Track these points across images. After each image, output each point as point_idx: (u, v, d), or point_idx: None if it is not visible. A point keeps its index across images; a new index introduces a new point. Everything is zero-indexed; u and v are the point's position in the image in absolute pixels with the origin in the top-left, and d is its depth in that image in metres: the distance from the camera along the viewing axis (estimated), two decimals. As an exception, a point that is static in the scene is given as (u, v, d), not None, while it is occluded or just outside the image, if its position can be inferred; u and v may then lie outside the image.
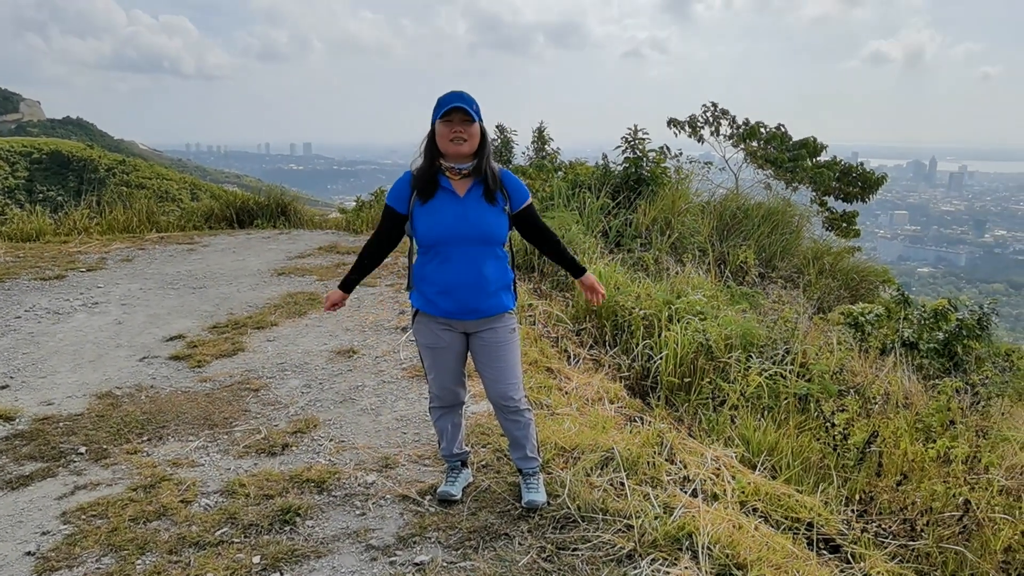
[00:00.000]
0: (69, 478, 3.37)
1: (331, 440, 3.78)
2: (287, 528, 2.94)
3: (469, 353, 3.03)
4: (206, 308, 6.28)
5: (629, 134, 10.52)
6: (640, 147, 10.58)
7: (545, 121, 12.25)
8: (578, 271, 3.14)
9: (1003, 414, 4.96)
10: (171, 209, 12.20)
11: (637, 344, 5.58)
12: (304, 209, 11.89)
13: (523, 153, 11.63)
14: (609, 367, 5.57)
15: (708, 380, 4.79)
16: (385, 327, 5.78)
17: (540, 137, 11.71)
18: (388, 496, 3.20)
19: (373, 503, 3.14)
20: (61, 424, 3.95)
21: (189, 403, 4.24)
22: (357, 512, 3.08)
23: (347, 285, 3.12)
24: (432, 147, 2.79)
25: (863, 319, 7.08)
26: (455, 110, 2.71)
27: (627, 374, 5.41)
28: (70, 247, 8.82)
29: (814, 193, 14.11)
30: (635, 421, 4.09)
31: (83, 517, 3.02)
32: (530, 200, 2.99)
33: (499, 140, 11.43)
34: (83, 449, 3.64)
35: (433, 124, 2.76)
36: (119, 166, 48.85)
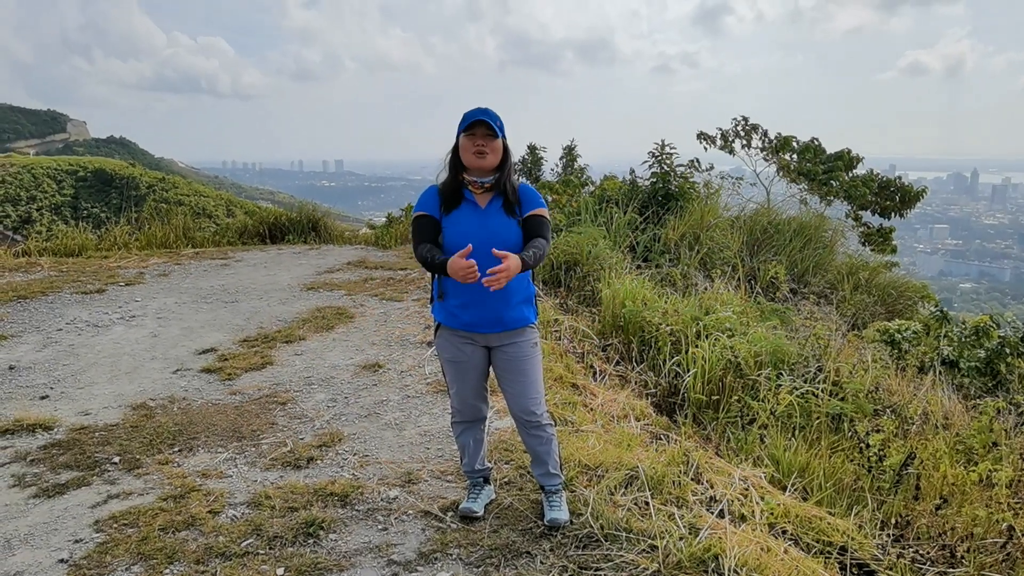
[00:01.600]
0: (103, 487, 3.44)
1: (355, 454, 3.80)
2: (311, 541, 2.96)
3: (492, 368, 3.04)
4: (237, 322, 6.39)
5: (656, 149, 10.49)
6: (668, 162, 10.54)
7: (575, 138, 12.29)
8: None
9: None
10: (207, 225, 12.47)
11: (664, 361, 5.53)
12: (334, 225, 12.06)
13: (552, 170, 11.67)
14: (635, 384, 5.53)
15: (737, 398, 4.72)
16: (411, 342, 5.81)
17: (569, 154, 11.74)
18: (410, 511, 3.20)
19: (395, 518, 3.15)
20: (97, 434, 4.03)
21: (219, 415, 4.31)
22: (379, 527, 3.08)
23: (444, 265, 2.69)
24: (456, 161, 2.83)
25: (899, 336, 6.92)
26: (478, 123, 2.75)
27: (654, 391, 5.37)
28: (110, 262, 9.05)
29: (849, 207, 13.87)
30: (660, 439, 4.04)
31: (115, 526, 3.08)
32: (540, 210, 2.89)
33: (530, 159, 11.48)
34: (117, 459, 3.71)
35: (457, 138, 2.81)
36: (159, 183, 50.12)
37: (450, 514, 3.17)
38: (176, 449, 3.86)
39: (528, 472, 3.50)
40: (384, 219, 13.15)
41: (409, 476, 3.53)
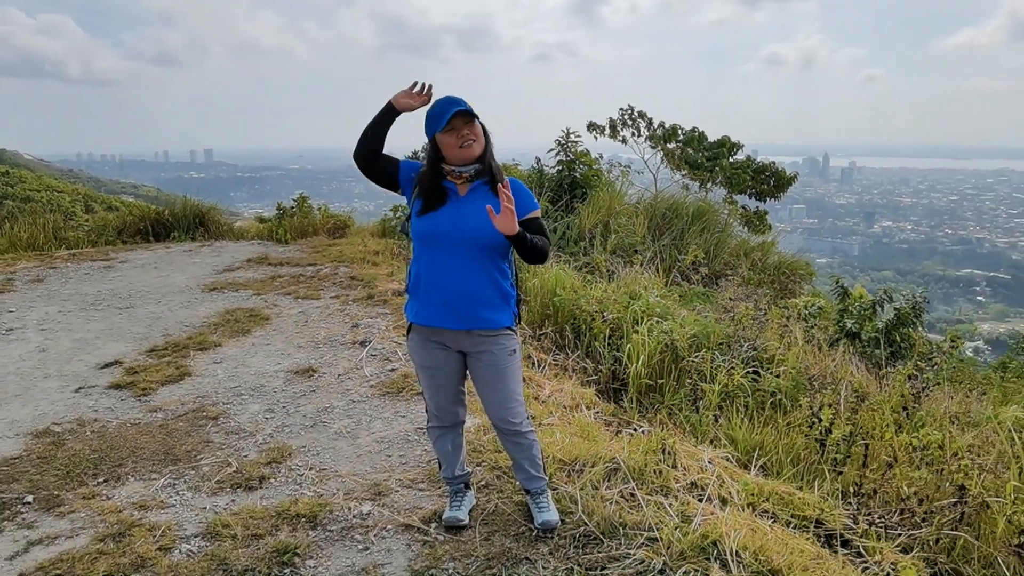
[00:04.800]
0: (19, 532, 2.97)
1: (311, 469, 3.51)
2: (287, 571, 2.68)
3: (468, 372, 2.85)
4: (138, 330, 5.80)
5: (562, 137, 10.54)
6: (573, 150, 10.62)
7: None
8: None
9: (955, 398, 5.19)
10: (81, 223, 11.33)
11: (602, 347, 5.53)
12: (223, 219, 11.30)
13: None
14: (575, 372, 5.50)
15: (689, 380, 4.78)
16: (340, 343, 5.49)
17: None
18: (389, 526, 2.98)
19: (375, 535, 2.92)
20: (-4, 470, 3.50)
21: (143, 436, 3.86)
22: (359, 547, 2.85)
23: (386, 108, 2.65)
24: (436, 160, 2.62)
25: (807, 312, 7.30)
26: (457, 115, 2.54)
27: (595, 378, 5.36)
28: (-33, 268, 8.00)
29: (726, 192, 14.53)
30: (631, 428, 4.02)
31: (46, 577, 2.66)
32: (535, 212, 2.71)
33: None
34: (30, 497, 3.23)
35: (432, 138, 2.59)
36: (2, 177, 45.22)
37: (433, 525, 2.98)
38: (100, 480, 3.41)
39: (505, 473, 3.36)
40: (269, 211, 12.48)
41: (377, 488, 3.29)
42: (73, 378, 4.75)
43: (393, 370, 4.87)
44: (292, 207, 11.64)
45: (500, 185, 2.52)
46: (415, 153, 11.42)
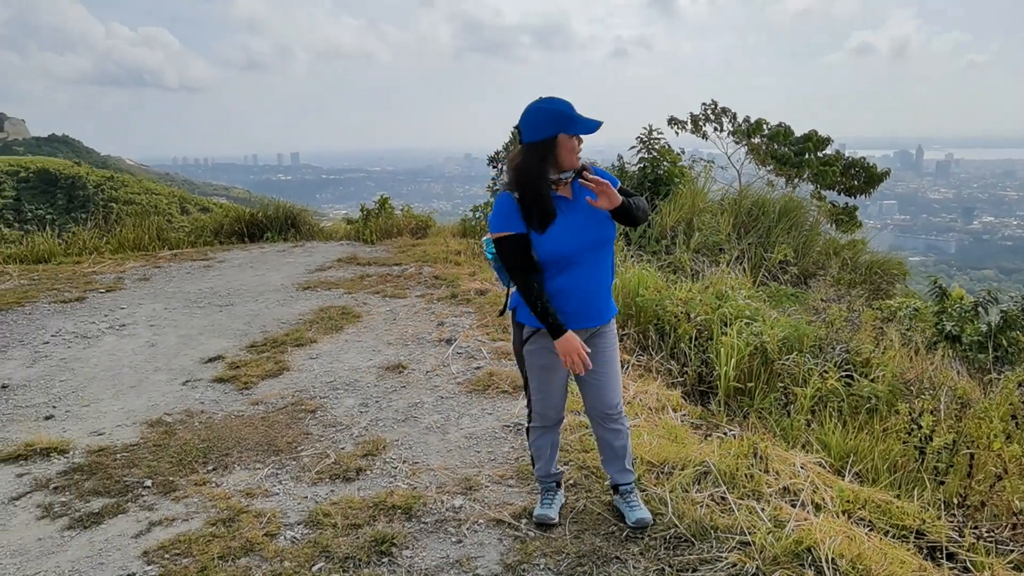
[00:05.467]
0: (141, 514, 3.21)
1: (404, 462, 3.64)
2: (385, 560, 2.80)
3: None
4: (237, 326, 6.12)
5: (644, 134, 10.44)
6: (656, 146, 10.50)
7: None
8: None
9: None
10: (180, 224, 12.01)
11: (688, 349, 5.47)
12: (313, 220, 11.75)
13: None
14: (659, 373, 5.46)
15: (780, 384, 4.68)
16: (427, 340, 5.64)
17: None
18: (481, 521, 3.06)
19: (468, 529, 3.01)
20: (119, 456, 3.78)
21: (247, 428, 4.09)
22: (453, 539, 2.94)
23: (561, 327, 2.67)
24: (546, 164, 2.59)
25: (902, 314, 7.00)
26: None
27: (681, 380, 5.30)
28: (84, 267, 8.62)
29: (814, 188, 14.03)
30: (720, 432, 3.98)
31: (167, 556, 2.87)
32: (619, 186, 2.76)
33: (514, 145, 11.31)
34: (149, 482, 3.48)
35: (554, 138, 2.57)
36: (107, 182, 48.33)
37: (524, 521, 3.04)
38: (210, 468, 3.64)
39: (593, 473, 3.39)
40: (358, 212, 12.87)
41: (468, 483, 3.38)
42: (180, 372, 5.07)
43: (479, 368, 4.97)
44: (375, 208, 11.99)
45: (584, 173, 2.56)
46: (497, 154, 11.58)
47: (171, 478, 3.52)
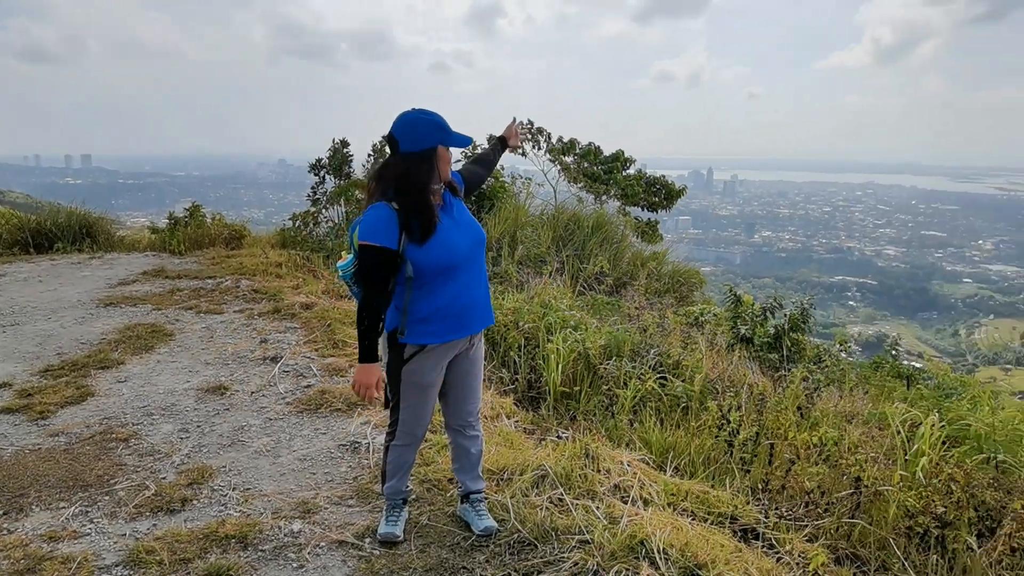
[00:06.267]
0: (-90, 574, 2.74)
1: (234, 489, 3.42)
2: (221, 595, 2.62)
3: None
4: (28, 349, 5.42)
5: (468, 150, 10.66)
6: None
7: (344, 133, 11.85)
8: (503, 143, 3.30)
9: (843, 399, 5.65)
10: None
11: (519, 357, 5.66)
12: (112, 230, 10.67)
13: (363, 165, 11.31)
14: (492, 382, 5.59)
15: (605, 387, 4.97)
16: (250, 359, 5.34)
17: (379, 150, 11.46)
18: (323, 543, 2.96)
19: (309, 553, 2.89)
20: None
21: (45, 463, 3.63)
22: (294, 565, 2.81)
23: (374, 355, 2.64)
24: (427, 174, 2.58)
25: (703, 319, 7.73)
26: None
27: (512, 387, 5.47)
28: None
29: (619, 203, 15.11)
30: (552, 436, 4.14)
31: (-51, 619, 2.48)
32: (463, 185, 2.94)
33: (338, 154, 11.00)
34: (-82, 535, 2.98)
35: (434, 149, 2.57)
36: None
37: (367, 540, 2.98)
38: (0, 513, 3.18)
39: (435, 486, 3.40)
40: (164, 220, 11.91)
41: (306, 506, 3.25)
42: (-45, 403, 4.39)
43: (309, 386, 4.79)
44: (184, 216, 11.15)
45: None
46: (318, 161, 11.21)
47: (-51, 528, 3.04)
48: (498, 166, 11.45)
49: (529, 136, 15.27)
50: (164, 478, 3.50)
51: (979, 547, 3.28)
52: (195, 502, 3.28)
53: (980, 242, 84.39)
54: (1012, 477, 3.91)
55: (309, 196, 10.71)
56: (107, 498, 3.30)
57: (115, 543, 2.94)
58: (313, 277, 7.96)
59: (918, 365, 8.95)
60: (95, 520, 3.12)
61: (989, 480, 3.72)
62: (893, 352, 9.62)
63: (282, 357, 5.31)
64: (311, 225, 9.94)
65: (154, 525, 3.08)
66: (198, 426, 4.13)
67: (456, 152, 2.92)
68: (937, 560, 3.24)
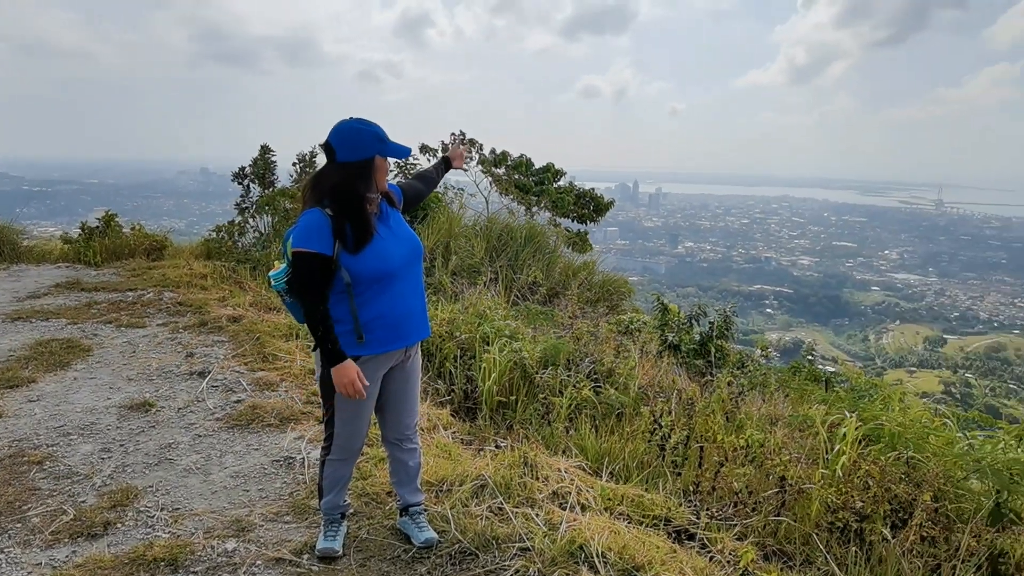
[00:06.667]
0: None
1: (162, 509, 3.29)
2: (150, 620, 2.51)
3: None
4: (-75, 368, 5.06)
5: (400, 160, 10.61)
6: (410, 171, 10.73)
7: (269, 141, 11.62)
8: (447, 163, 3.35)
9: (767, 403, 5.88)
10: None
11: (454, 368, 5.65)
12: (19, 240, 10.09)
13: (289, 175, 11.07)
14: (427, 393, 5.56)
15: (542, 396, 5.02)
16: (175, 374, 5.16)
17: (305, 160, 11.25)
18: (259, 562, 2.88)
19: (245, 572, 2.81)
20: None
21: (-50, 490, 3.40)
22: (229, 586, 2.73)
23: (343, 354, 2.59)
24: (364, 184, 2.57)
25: (633, 327, 7.91)
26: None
27: (449, 398, 5.45)
28: None
29: (550, 215, 15.34)
30: (491, 445, 4.15)
31: None
32: (401, 195, 2.96)
33: (261, 162, 10.74)
34: None
35: (372, 159, 2.57)
36: None
37: (306, 556, 2.92)
38: (-100, 542, 2.97)
39: (373, 500, 3.37)
40: (77, 230, 11.36)
41: (240, 524, 3.16)
42: None
43: (239, 401, 4.66)
44: (100, 226, 10.67)
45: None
46: (242, 169, 10.91)
47: None
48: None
49: (462, 147, 15.33)
50: (84, 501, 3.33)
51: (893, 537, 3.47)
52: (119, 525, 3.13)
53: (886, 252, 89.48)
54: (921, 471, 4.16)
55: (237, 205, 10.42)
56: (19, 525, 3.12)
57: (29, 573, 2.78)
58: (240, 289, 7.74)
59: (832, 369, 9.42)
60: (5, 550, 2.94)
61: (901, 475, 3.95)
62: (809, 357, 10.08)
63: (210, 371, 5.14)
64: (237, 235, 9.67)
65: (74, 552, 2.93)
66: (121, 445, 3.95)
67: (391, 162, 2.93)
68: (856, 552, 3.41)
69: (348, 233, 2.53)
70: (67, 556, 2.89)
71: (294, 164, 11.57)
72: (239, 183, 10.85)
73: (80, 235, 10.64)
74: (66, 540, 3.01)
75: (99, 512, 3.21)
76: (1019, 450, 4.07)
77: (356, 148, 2.55)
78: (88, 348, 5.59)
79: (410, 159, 10.69)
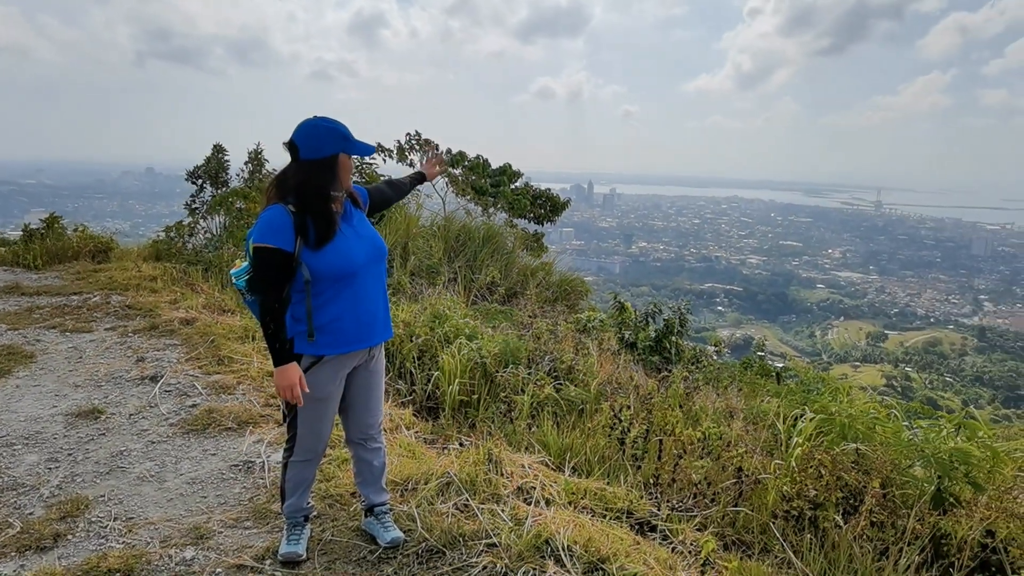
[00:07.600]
0: None
1: (116, 519, 3.19)
2: (107, 631, 2.44)
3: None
4: None
5: (355, 160, 10.51)
6: (368, 171, 10.64)
7: (221, 141, 11.45)
8: (422, 176, 3.42)
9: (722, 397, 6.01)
10: None
11: (415, 368, 5.62)
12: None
13: (238, 175, 10.85)
14: (389, 394, 5.52)
15: (504, 394, 5.03)
16: (125, 379, 5.01)
17: (256, 158, 11.04)
18: (219, 569, 2.82)
19: (205, 580, 2.75)
20: None
21: None
22: (189, 594, 2.67)
23: (288, 356, 2.56)
24: (328, 182, 2.55)
25: (591, 325, 7.99)
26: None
27: (410, 398, 5.42)
28: None
29: (507, 216, 15.39)
30: (453, 444, 4.14)
31: None
32: (367, 197, 2.95)
33: (214, 161, 10.51)
34: None
35: (335, 157, 2.55)
36: None
37: (268, 562, 2.87)
38: None
39: (337, 501, 3.33)
40: (19, 233, 10.95)
41: (198, 531, 3.08)
42: None
43: (194, 406, 4.55)
44: (41, 228, 10.30)
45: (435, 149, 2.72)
46: (196, 169, 10.66)
47: None
48: (384, 176, 11.38)
49: (417, 146, 15.25)
50: (31, 513, 3.21)
51: (845, 524, 3.59)
52: (70, 537, 3.03)
53: (830, 251, 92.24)
54: (870, 460, 4.31)
55: (187, 205, 10.17)
56: (-35, 538, 2.99)
57: (-22, 586, 2.67)
58: (192, 291, 7.55)
59: (781, 364, 9.67)
60: (-48, 563, 2.82)
61: (851, 464, 4.08)
62: (760, 353, 10.32)
63: (162, 376, 5.01)
64: (187, 236, 9.44)
65: (22, 566, 2.82)
66: (69, 454, 3.82)
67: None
68: (811, 538, 3.51)
69: (310, 229, 2.51)
70: (15, 570, 2.78)
71: (246, 163, 11.36)
72: (192, 182, 10.61)
73: (20, 238, 10.26)
74: (13, 554, 2.89)
75: (48, 524, 3.10)
76: (957, 438, 4.25)
77: (320, 146, 2.53)
78: (31, 355, 5.38)
79: (367, 159, 10.60)
